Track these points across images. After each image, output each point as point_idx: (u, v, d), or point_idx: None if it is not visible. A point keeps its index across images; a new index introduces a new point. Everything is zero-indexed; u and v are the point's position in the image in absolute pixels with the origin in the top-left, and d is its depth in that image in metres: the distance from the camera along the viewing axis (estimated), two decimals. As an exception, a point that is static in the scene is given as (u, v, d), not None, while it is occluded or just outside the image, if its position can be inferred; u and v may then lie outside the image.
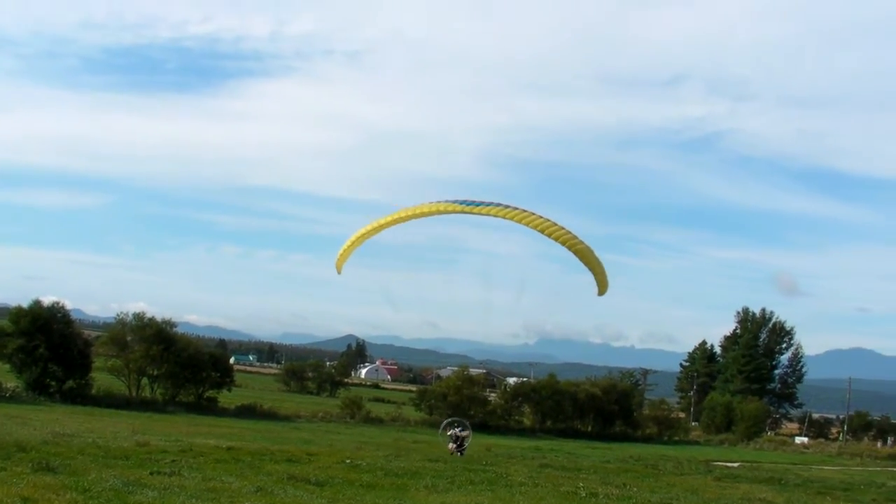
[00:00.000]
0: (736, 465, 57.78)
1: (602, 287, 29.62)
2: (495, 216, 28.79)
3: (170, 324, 75.23)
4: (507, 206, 28.96)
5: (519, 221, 28.72)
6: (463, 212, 29.20)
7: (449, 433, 44.87)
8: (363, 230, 30.12)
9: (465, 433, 44.60)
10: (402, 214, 29.94)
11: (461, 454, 43.00)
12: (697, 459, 59.68)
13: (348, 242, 30.50)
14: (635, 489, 29.42)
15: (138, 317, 74.32)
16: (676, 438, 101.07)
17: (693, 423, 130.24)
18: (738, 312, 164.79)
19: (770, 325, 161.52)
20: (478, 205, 29.18)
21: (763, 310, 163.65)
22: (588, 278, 29.42)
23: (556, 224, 28.95)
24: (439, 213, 29.48)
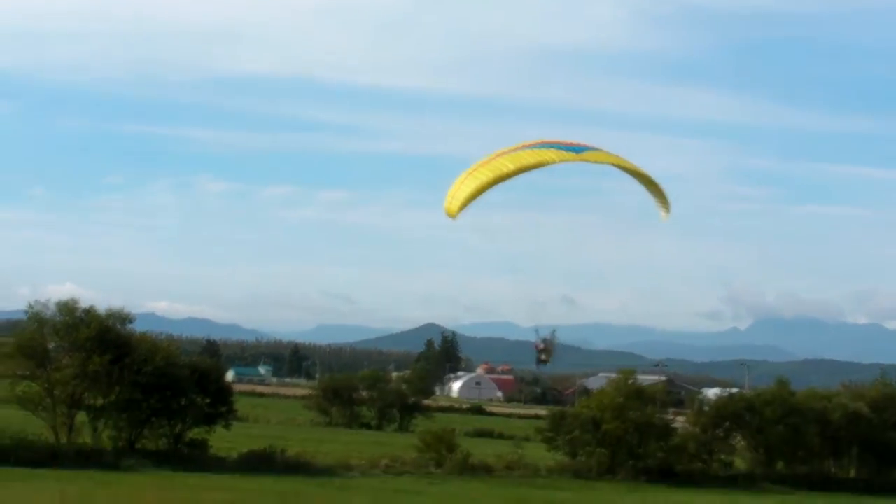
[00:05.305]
0: None
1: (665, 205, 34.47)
2: (602, 163, 33.30)
3: (122, 317, 56.00)
4: (600, 150, 33.24)
5: (615, 165, 33.62)
6: (578, 160, 32.82)
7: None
8: (484, 177, 31.15)
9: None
10: (525, 162, 31.89)
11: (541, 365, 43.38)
12: None
13: (471, 188, 31.28)
14: None
15: (66, 307, 54.44)
16: None
17: None
18: None
19: None
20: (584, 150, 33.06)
21: None
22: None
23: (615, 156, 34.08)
24: (555, 161, 32.09)
